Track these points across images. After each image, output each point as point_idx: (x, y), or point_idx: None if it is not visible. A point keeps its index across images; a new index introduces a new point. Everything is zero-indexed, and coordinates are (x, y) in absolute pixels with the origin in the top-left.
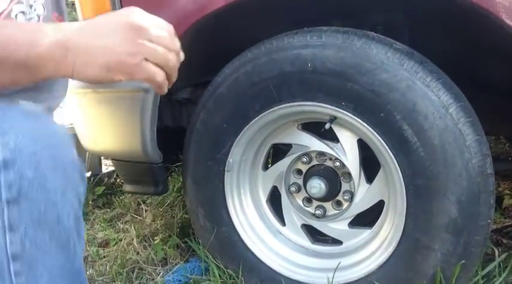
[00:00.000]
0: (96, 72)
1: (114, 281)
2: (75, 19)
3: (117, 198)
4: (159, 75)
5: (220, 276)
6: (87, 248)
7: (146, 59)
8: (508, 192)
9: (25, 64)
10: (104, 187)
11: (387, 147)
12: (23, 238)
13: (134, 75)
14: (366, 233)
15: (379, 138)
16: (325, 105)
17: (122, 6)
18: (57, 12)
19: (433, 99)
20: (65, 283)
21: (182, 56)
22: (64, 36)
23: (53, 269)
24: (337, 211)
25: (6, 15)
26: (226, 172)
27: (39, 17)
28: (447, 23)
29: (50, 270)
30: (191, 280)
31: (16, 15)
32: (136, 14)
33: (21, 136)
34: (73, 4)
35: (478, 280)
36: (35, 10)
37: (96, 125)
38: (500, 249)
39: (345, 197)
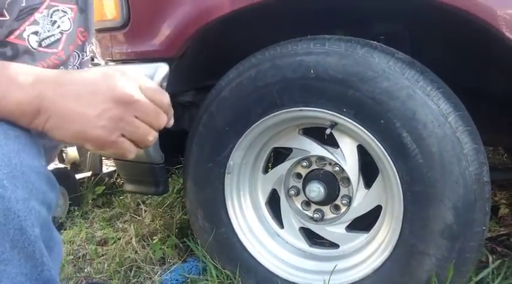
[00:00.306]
0: (67, 138)
1: (112, 279)
2: None
3: (116, 198)
4: (130, 153)
5: (217, 276)
6: (85, 246)
7: (123, 135)
8: (504, 201)
9: None
10: (104, 187)
11: (386, 154)
12: None
13: (105, 148)
14: (362, 237)
15: (379, 144)
16: (327, 111)
17: (129, 11)
18: (83, 27)
19: (432, 108)
20: None
21: (171, 123)
22: (40, 93)
23: (18, 279)
24: (335, 215)
25: (17, 35)
26: (226, 174)
27: (62, 34)
28: (448, 35)
29: (13, 281)
30: (188, 280)
31: (28, 36)
32: (126, 84)
33: None
34: None
35: None
36: (58, 27)
37: None
38: (494, 257)
39: (343, 201)
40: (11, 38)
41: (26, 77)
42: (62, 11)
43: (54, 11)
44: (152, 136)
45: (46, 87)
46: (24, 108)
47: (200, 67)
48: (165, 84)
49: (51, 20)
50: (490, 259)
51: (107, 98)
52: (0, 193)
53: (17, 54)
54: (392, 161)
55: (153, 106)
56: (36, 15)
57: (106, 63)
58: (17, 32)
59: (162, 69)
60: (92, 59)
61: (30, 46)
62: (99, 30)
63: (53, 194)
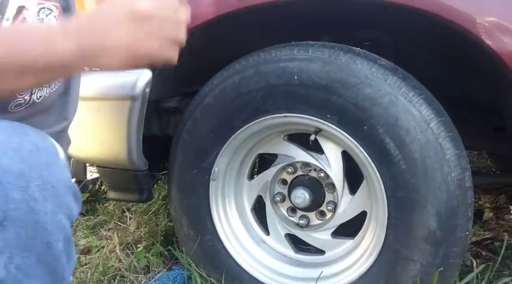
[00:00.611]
0: (123, 66)
1: None
2: None
3: (101, 205)
4: (176, 54)
5: None
6: None
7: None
8: (489, 205)
9: (46, 70)
10: (88, 194)
11: (370, 160)
12: (7, 264)
13: (156, 59)
14: (348, 243)
15: (362, 150)
16: (311, 117)
17: None
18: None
19: (414, 114)
20: None
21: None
22: (75, 42)
23: None
24: (320, 221)
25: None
26: (211, 181)
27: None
28: (431, 42)
29: None
30: None
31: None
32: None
33: (7, 155)
34: None
35: None
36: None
37: (82, 132)
38: (479, 261)
39: (329, 207)
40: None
41: (58, 34)
42: (48, 8)
43: (40, 9)
44: (183, 28)
45: (80, 38)
46: (72, 57)
47: (185, 73)
48: (147, 90)
49: (39, 18)
50: (474, 263)
51: (131, 19)
52: (31, 206)
53: None
54: (376, 167)
55: (167, 4)
56: (25, 13)
57: (89, 70)
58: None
59: (145, 75)
60: None
61: None
62: None
63: (76, 208)
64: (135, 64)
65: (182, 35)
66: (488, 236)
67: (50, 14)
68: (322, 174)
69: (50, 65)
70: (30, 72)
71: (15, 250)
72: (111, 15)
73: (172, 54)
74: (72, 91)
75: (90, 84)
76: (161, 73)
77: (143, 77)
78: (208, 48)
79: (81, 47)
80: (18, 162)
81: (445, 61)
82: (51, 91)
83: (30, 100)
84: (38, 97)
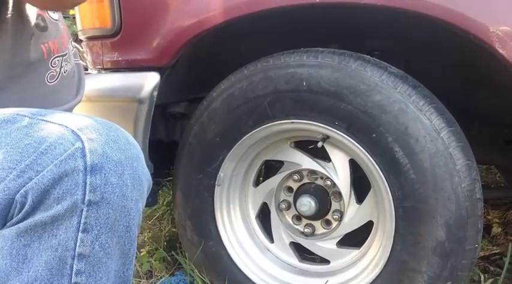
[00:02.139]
0: None
1: None
2: (74, 32)
3: None
4: None
5: None
6: None
7: None
8: (497, 220)
9: None
10: None
11: (378, 168)
12: (94, 241)
13: None
14: (353, 253)
15: (371, 158)
16: (319, 124)
17: (121, 19)
18: None
19: (425, 123)
20: None
21: None
22: None
23: (111, 274)
24: (326, 230)
25: None
26: (216, 186)
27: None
28: (442, 52)
29: (108, 274)
30: None
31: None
32: None
33: (109, 145)
34: (74, 18)
35: None
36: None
37: None
38: (487, 276)
39: (335, 216)
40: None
41: None
42: None
43: None
44: None
45: None
46: None
47: (192, 78)
48: (155, 93)
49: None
50: (482, 277)
51: None
52: (123, 192)
53: (46, 26)
54: (384, 176)
55: None
56: None
57: (98, 72)
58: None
59: (153, 78)
60: (86, 69)
61: (53, 18)
62: (90, 38)
63: (145, 201)
64: None
65: None
66: (497, 251)
67: None
68: (328, 182)
69: None
70: None
71: (102, 229)
72: None
73: None
74: (83, 75)
75: (97, 85)
76: (168, 77)
77: (151, 80)
78: (216, 54)
79: None
80: (117, 151)
81: (456, 71)
82: (71, 67)
83: (60, 72)
84: (65, 71)
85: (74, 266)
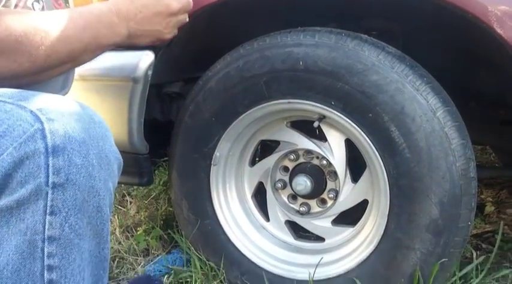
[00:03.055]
0: (149, 43)
1: None
2: None
3: None
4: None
5: (201, 268)
6: None
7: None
8: (490, 199)
9: (104, 48)
10: None
11: (374, 148)
12: (63, 223)
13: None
14: (348, 231)
15: (367, 138)
16: (315, 104)
17: None
18: None
19: (421, 102)
20: (91, 268)
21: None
22: (129, 32)
23: (84, 254)
24: (321, 209)
25: (23, 5)
26: (212, 166)
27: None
28: (440, 32)
29: (82, 255)
30: (172, 271)
31: (32, 4)
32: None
33: (70, 124)
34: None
35: (455, 280)
36: None
37: None
38: (479, 253)
39: (330, 195)
40: (19, 7)
41: (110, 18)
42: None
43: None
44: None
45: (129, 22)
46: (119, 43)
47: (188, 57)
48: (150, 72)
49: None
50: (474, 254)
51: (165, 15)
52: (89, 172)
53: None
54: (379, 155)
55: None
56: None
57: None
58: (22, 2)
59: (147, 57)
60: None
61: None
62: None
63: (117, 179)
64: (156, 42)
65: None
66: (489, 229)
67: None
68: (324, 162)
69: (108, 44)
70: (98, 49)
71: (71, 211)
72: (154, 8)
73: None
74: None
75: (91, 64)
76: (164, 57)
77: (145, 59)
78: (211, 33)
79: (130, 32)
80: (80, 131)
81: (453, 51)
82: None
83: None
84: None
85: (45, 249)
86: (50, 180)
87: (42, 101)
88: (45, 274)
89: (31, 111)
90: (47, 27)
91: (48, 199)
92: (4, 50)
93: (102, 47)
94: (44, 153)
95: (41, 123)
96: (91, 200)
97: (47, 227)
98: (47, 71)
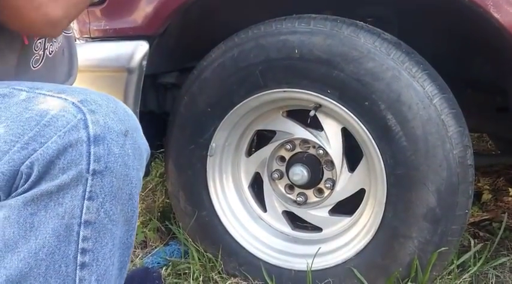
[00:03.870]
0: None
1: None
2: None
3: None
4: None
5: (199, 259)
6: None
7: None
8: (488, 187)
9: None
10: None
11: (370, 136)
12: (99, 208)
13: None
14: (345, 220)
15: (363, 126)
16: (311, 92)
17: None
18: None
19: (417, 90)
20: (119, 253)
21: None
22: None
23: (116, 240)
24: (318, 199)
25: None
26: (208, 156)
27: None
28: (436, 17)
29: (113, 240)
30: (170, 263)
31: None
32: None
33: (109, 116)
34: None
35: (453, 268)
36: None
37: None
38: (476, 241)
39: (327, 185)
40: None
41: None
42: None
43: None
44: None
45: None
46: None
47: (183, 47)
48: (144, 62)
49: None
50: (472, 243)
51: None
52: (125, 161)
53: None
54: (376, 144)
55: None
56: None
57: (85, 41)
58: None
59: (142, 47)
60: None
61: None
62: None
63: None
64: None
65: None
66: (487, 217)
67: None
68: (321, 151)
69: None
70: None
71: (107, 197)
72: None
73: None
74: (75, 51)
75: (86, 55)
76: (158, 47)
77: (140, 49)
78: (206, 22)
79: None
80: (117, 122)
81: (450, 37)
82: (58, 45)
83: (44, 55)
84: (50, 52)
85: (81, 233)
86: (91, 167)
87: (81, 94)
88: (78, 257)
89: (73, 103)
90: None
91: (88, 185)
92: None
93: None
94: (86, 141)
95: (83, 114)
96: (125, 187)
97: (84, 211)
98: (62, 25)
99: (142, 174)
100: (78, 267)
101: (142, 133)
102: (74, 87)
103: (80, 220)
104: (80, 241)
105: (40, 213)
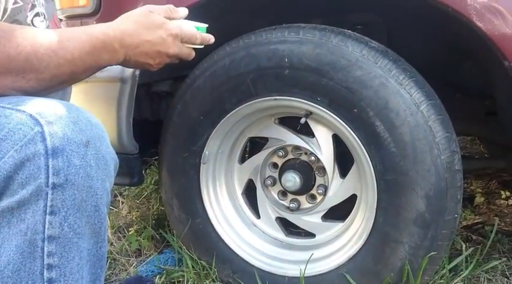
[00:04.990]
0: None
1: None
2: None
3: None
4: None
5: (193, 267)
6: None
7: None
8: (480, 190)
9: (99, 69)
10: None
11: (360, 143)
12: (62, 222)
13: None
14: (338, 226)
15: (353, 133)
16: (301, 100)
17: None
18: None
19: (405, 97)
20: (89, 266)
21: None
22: (125, 58)
23: (83, 253)
24: (311, 205)
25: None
26: (202, 164)
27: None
28: (423, 25)
29: (80, 254)
30: (164, 271)
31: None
32: (172, 46)
33: (69, 127)
34: None
35: (445, 273)
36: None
37: None
38: (469, 245)
39: (319, 191)
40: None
41: (114, 45)
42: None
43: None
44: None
45: (128, 51)
46: (113, 64)
47: None
48: (137, 72)
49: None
50: (464, 246)
51: (162, 55)
52: (88, 172)
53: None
54: (365, 150)
55: (187, 50)
56: None
57: None
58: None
59: None
60: None
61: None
62: (70, 17)
63: (113, 180)
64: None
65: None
66: (479, 220)
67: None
68: (312, 158)
69: (105, 66)
70: (95, 70)
71: (70, 210)
72: (154, 46)
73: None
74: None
75: None
76: None
77: None
78: None
79: (125, 58)
80: (78, 133)
81: (437, 44)
82: None
83: None
84: None
85: (45, 248)
86: (50, 181)
87: (40, 105)
88: (44, 273)
89: (30, 115)
90: (55, 47)
91: (48, 199)
92: (14, 68)
93: (99, 68)
94: (44, 154)
95: (41, 126)
96: (89, 199)
97: (47, 226)
98: (50, 89)
99: (110, 184)
100: (45, 283)
101: (108, 142)
102: (37, 98)
103: (43, 235)
104: (45, 257)
105: (3, 230)
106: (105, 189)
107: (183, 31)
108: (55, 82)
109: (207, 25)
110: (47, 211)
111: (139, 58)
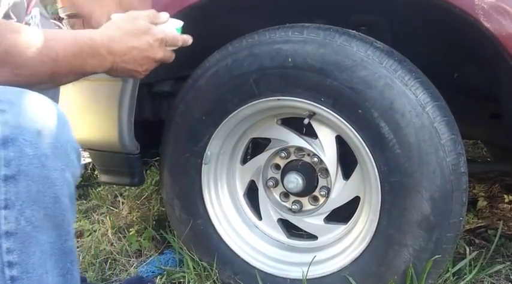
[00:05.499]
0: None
1: (87, 271)
2: (56, 10)
3: (93, 190)
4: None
5: (194, 268)
6: None
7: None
8: (483, 194)
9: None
10: (81, 179)
11: (364, 144)
12: (18, 216)
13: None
14: (341, 228)
15: (357, 134)
16: (305, 101)
17: None
18: None
19: (410, 98)
20: (53, 261)
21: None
22: (112, 65)
23: (44, 247)
24: (313, 207)
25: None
26: (203, 164)
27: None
28: (429, 25)
29: (41, 248)
30: (165, 272)
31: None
32: (159, 51)
33: (22, 115)
34: None
35: (448, 276)
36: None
37: (73, 114)
38: (472, 248)
39: (322, 192)
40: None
41: (101, 51)
42: None
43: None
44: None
45: (115, 58)
46: (99, 71)
47: (178, 55)
48: None
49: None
50: (468, 250)
51: (150, 61)
52: (43, 162)
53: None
54: (370, 151)
55: (169, 53)
56: None
57: None
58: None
59: None
60: None
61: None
62: (72, 16)
63: (79, 169)
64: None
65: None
66: (482, 224)
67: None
68: (315, 159)
69: (91, 72)
70: (80, 75)
71: (25, 203)
72: (142, 52)
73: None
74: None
75: None
76: None
77: None
78: (200, 30)
79: (112, 66)
80: (31, 121)
81: (442, 45)
82: None
83: None
84: None
85: (3, 245)
86: (2, 173)
87: None
88: (6, 271)
89: None
90: (39, 44)
91: (1, 192)
92: None
93: (84, 74)
94: None
95: None
96: (46, 191)
97: (2, 222)
98: (26, 88)
99: (72, 173)
100: (8, 282)
101: (69, 131)
102: None
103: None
104: (5, 254)
105: None
106: (66, 179)
107: (166, 35)
108: (34, 80)
109: (182, 23)
110: (1, 205)
111: (127, 65)
